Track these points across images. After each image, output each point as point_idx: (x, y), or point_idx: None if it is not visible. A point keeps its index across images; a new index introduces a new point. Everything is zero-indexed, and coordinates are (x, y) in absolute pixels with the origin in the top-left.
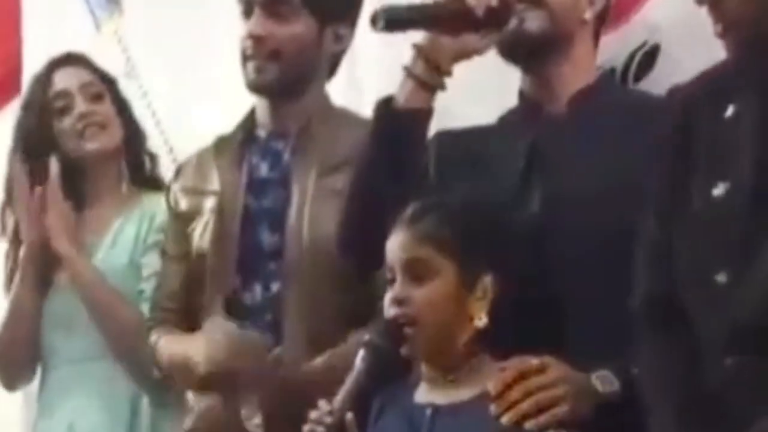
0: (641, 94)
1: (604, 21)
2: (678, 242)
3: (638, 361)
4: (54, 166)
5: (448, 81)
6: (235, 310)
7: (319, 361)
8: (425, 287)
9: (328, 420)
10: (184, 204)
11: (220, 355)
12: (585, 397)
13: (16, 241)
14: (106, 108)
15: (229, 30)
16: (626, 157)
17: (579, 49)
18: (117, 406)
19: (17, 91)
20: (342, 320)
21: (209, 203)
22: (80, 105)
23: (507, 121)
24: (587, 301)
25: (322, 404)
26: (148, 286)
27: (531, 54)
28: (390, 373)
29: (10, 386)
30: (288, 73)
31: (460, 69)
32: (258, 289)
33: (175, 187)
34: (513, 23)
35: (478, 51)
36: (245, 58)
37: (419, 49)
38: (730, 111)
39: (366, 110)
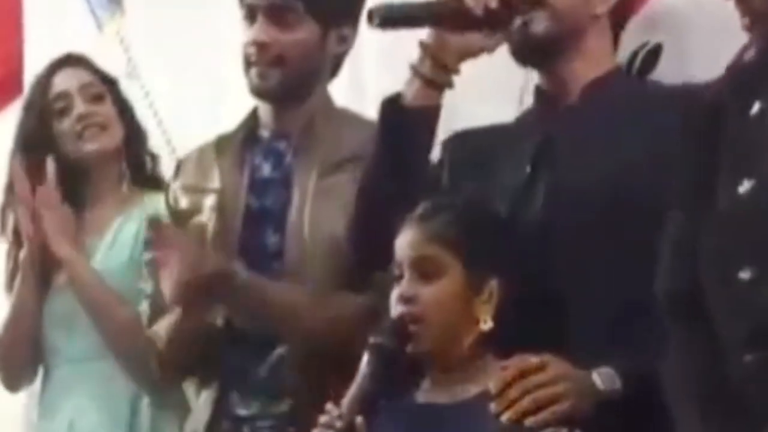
0: (656, 84)
1: (625, 11)
2: (703, 239)
3: (661, 357)
4: (50, 167)
5: (456, 80)
6: None
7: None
8: (433, 286)
9: (339, 424)
10: (184, 202)
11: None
12: (585, 395)
13: (16, 242)
14: (107, 109)
15: (231, 30)
16: (638, 147)
17: (591, 44)
18: (117, 406)
19: (19, 92)
20: None
21: (209, 201)
22: (80, 106)
23: (523, 118)
24: (591, 297)
25: (331, 408)
26: (147, 285)
27: (539, 54)
28: (396, 374)
29: (12, 386)
30: (291, 79)
31: (467, 68)
32: None
33: (175, 185)
34: (518, 24)
35: (486, 49)
36: (249, 65)
37: (425, 47)
38: (755, 108)
39: (368, 111)
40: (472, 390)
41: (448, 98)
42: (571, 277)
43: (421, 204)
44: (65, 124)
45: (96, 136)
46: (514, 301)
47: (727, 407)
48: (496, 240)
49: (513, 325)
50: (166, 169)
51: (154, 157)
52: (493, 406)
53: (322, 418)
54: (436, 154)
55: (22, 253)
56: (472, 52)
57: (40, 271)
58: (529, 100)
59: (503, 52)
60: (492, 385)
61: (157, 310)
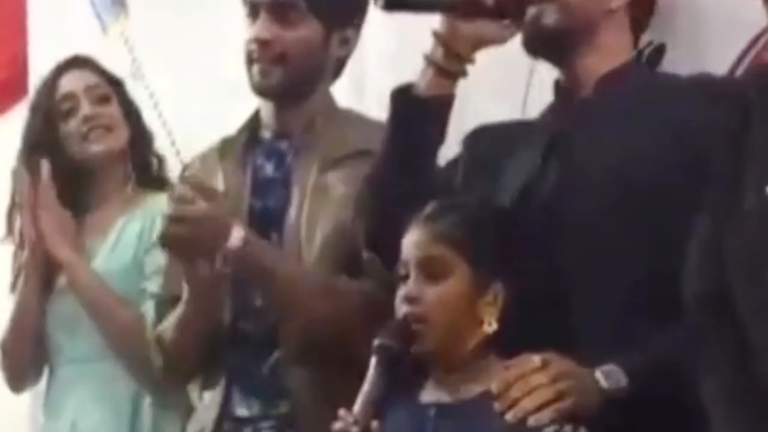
0: (670, 76)
1: (648, 5)
2: (729, 240)
3: (688, 359)
4: (45, 169)
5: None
6: (244, 311)
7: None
8: (438, 286)
9: (355, 430)
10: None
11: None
12: (589, 393)
13: (23, 244)
14: (112, 110)
15: (235, 30)
16: (651, 140)
17: (606, 38)
18: (119, 406)
19: (24, 94)
20: None
21: None
22: (85, 108)
23: (544, 114)
24: (597, 294)
25: (345, 414)
26: (150, 284)
27: (552, 47)
28: (400, 374)
29: (16, 387)
30: (293, 77)
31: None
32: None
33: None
34: (531, 16)
35: (499, 39)
36: (250, 62)
37: (438, 36)
38: None
39: (369, 111)
40: (476, 389)
41: (460, 97)
42: (578, 274)
43: (428, 204)
44: (71, 126)
45: (101, 138)
46: (520, 301)
47: (757, 408)
48: (503, 241)
49: (517, 324)
50: (171, 170)
51: (160, 159)
52: (496, 406)
53: (337, 425)
54: (455, 150)
55: (24, 255)
56: (485, 42)
57: (44, 272)
58: (533, 98)
59: (507, 50)
60: (494, 386)
61: (163, 308)
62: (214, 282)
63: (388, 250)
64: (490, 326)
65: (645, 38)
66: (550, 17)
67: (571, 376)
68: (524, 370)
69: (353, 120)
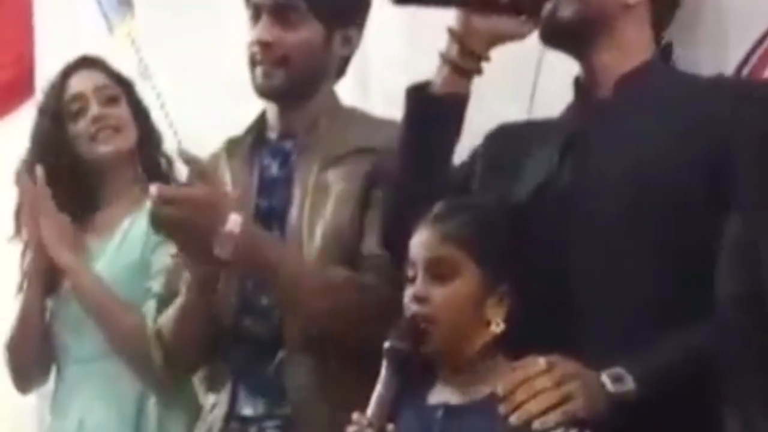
0: (692, 76)
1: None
2: (762, 243)
3: (724, 361)
4: (40, 173)
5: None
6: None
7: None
8: (446, 287)
9: None
10: None
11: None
12: (594, 396)
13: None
14: (121, 111)
15: (241, 31)
16: (671, 142)
17: (624, 34)
18: (125, 405)
19: (30, 94)
20: None
21: None
22: (94, 108)
23: (565, 112)
24: (608, 296)
25: (359, 417)
26: (155, 284)
27: (568, 39)
28: (410, 374)
29: (23, 387)
30: (296, 78)
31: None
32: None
33: None
34: (548, 9)
35: (515, 36)
36: (253, 64)
37: (453, 33)
38: None
39: (374, 110)
40: (483, 390)
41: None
42: (588, 274)
43: (437, 205)
44: (80, 126)
45: (110, 138)
46: (528, 302)
47: None
48: (511, 241)
49: (525, 325)
50: (178, 170)
51: (169, 159)
52: (501, 408)
53: (351, 429)
54: (463, 149)
55: (28, 258)
56: (501, 38)
57: (49, 274)
58: (541, 98)
59: (515, 48)
60: (500, 388)
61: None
62: (214, 271)
63: (404, 249)
64: (498, 327)
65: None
66: (567, 9)
67: (577, 379)
68: (529, 373)
69: (356, 118)
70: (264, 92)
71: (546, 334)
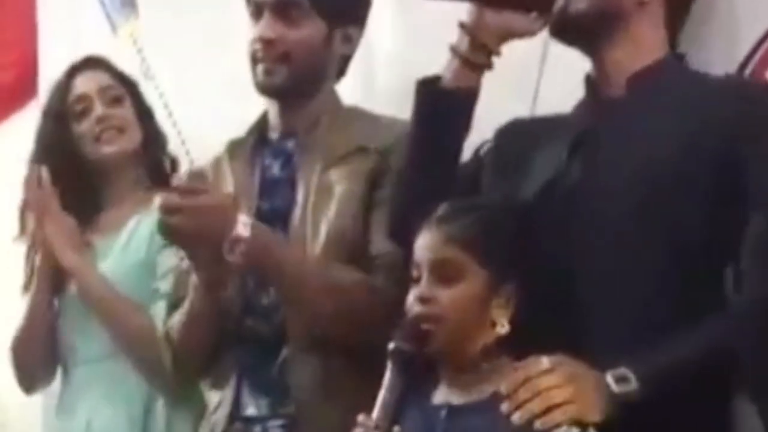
0: (704, 76)
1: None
2: None
3: (745, 360)
4: (44, 175)
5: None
6: (252, 310)
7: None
8: (451, 288)
9: None
10: None
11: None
12: (597, 396)
13: (35, 243)
14: (125, 111)
15: (244, 31)
16: (682, 143)
17: (637, 31)
18: (132, 405)
19: (33, 95)
20: None
21: None
22: (98, 109)
23: (576, 109)
24: (614, 297)
25: (365, 419)
26: (163, 285)
27: (580, 35)
28: (417, 376)
29: (28, 388)
30: (297, 76)
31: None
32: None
33: None
34: (560, 3)
35: (528, 32)
36: (255, 61)
37: (465, 28)
38: None
39: (376, 108)
40: (487, 390)
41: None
42: (595, 273)
43: (441, 206)
44: (84, 127)
45: (114, 139)
46: (533, 302)
47: None
48: (517, 242)
49: (530, 325)
50: (182, 170)
51: (173, 160)
52: (503, 407)
53: (357, 430)
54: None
55: (38, 258)
56: (512, 34)
57: (55, 275)
58: (544, 94)
59: (518, 45)
60: (503, 387)
61: (174, 308)
62: (222, 274)
63: (412, 244)
64: (503, 328)
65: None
66: (580, 4)
67: (581, 379)
68: (532, 372)
69: (358, 117)
70: (265, 90)
71: (551, 333)
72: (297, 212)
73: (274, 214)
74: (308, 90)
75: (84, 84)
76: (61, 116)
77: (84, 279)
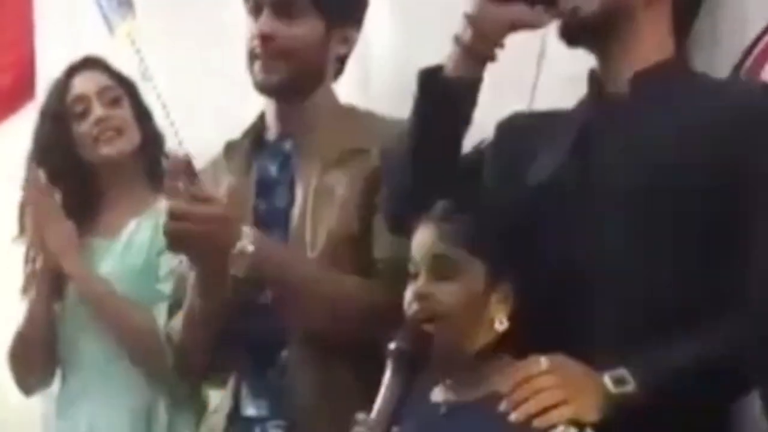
0: (709, 79)
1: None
2: None
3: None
4: (42, 177)
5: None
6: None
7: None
8: (449, 285)
9: None
10: None
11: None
12: (595, 397)
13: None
14: (124, 112)
15: (242, 30)
16: (683, 146)
17: (644, 30)
18: (135, 408)
19: (31, 96)
20: None
21: None
22: (97, 110)
23: (578, 104)
24: (614, 297)
25: (363, 419)
26: (164, 286)
27: (589, 37)
28: (417, 375)
29: (27, 390)
30: (296, 73)
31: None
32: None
33: None
34: (568, 5)
35: (533, 25)
36: (253, 58)
37: (469, 18)
38: None
39: (373, 105)
40: (486, 389)
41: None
42: (594, 274)
43: (438, 203)
44: (83, 128)
45: (112, 140)
46: (532, 301)
47: None
48: (515, 239)
49: (530, 324)
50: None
51: None
52: (501, 406)
53: (356, 430)
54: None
55: (37, 261)
56: (516, 26)
57: (55, 279)
58: (542, 88)
59: (516, 38)
60: (502, 385)
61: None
62: (223, 279)
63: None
64: (501, 324)
65: None
66: (588, 7)
67: (578, 380)
68: (531, 372)
69: (356, 117)
70: (263, 87)
71: (550, 332)
72: (296, 213)
73: (272, 214)
74: (306, 88)
75: (82, 85)
76: (59, 117)
77: (84, 281)
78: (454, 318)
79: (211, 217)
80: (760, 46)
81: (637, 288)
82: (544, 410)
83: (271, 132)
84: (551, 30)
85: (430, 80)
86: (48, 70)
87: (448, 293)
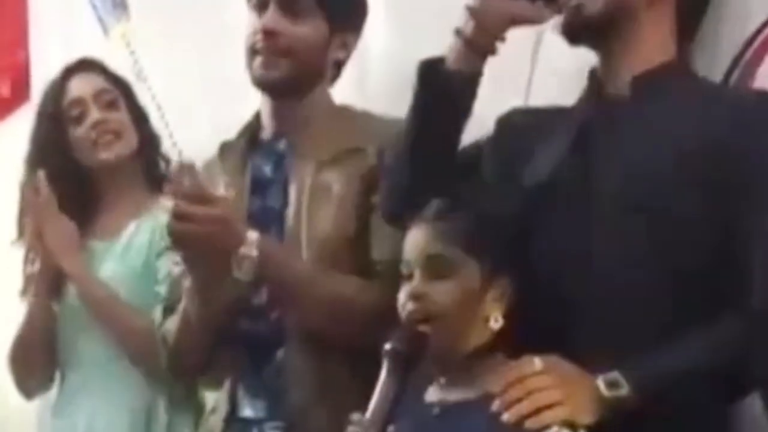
0: (711, 84)
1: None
2: None
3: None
4: (42, 180)
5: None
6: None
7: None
8: (444, 284)
9: None
10: None
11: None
12: (588, 399)
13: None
14: (121, 115)
15: (239, 32)
16: (685, 147)
17: (645, 31)
18: (134, 408)
19: (26, 98)
20: None
21: None
22: (94, 113)
23: (578, 102)
24: (608, 298)
25: (358, 419)
26: (163, 288)
27: (591, 36)
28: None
29: (27, 393)
30: (295, 72)
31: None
32: (265, 289)
33: None
34: (571, 2)
35: (534, 20)
36: (253, 53)
37: (471, 10)
38: None
39: (369, 106)
40: (479, 390)
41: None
42: (588, 276)
43: (431, 202)
44: (79, 132)
45: (110, 144)
46: (527, 301)
47: None
48: (510, 238)
49: (525, 324)
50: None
51: (168, 161)
52: (494, 406)
53: (351, 429)
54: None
55: (36, 263)
56: (517, 21)
57: (54, 279)
58: (537, 84)
59: (510, 40)
60: (495, 385)
61: (170, 312)
62: (219, 284)
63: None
64: (497, 322)
65: None
66: (592, 6)
67: (572, 382)
68: (525, 372)
69: (351, 116)
70: (262, 83)
71: (545, 332)
72: (291, 212)
73: (267, 213)
74: (304, 88)
75: (79, 87)
76: (56, 119)
77: (84, 282)
78: (450, 318)
79: (214, 219)
80: (760, 38)
81: (634, 289)
82: (537, 411)
83: (266, 131)
84: (547, 25)
85: (430, 72)
86: (43, 72)
87: (443, 293)
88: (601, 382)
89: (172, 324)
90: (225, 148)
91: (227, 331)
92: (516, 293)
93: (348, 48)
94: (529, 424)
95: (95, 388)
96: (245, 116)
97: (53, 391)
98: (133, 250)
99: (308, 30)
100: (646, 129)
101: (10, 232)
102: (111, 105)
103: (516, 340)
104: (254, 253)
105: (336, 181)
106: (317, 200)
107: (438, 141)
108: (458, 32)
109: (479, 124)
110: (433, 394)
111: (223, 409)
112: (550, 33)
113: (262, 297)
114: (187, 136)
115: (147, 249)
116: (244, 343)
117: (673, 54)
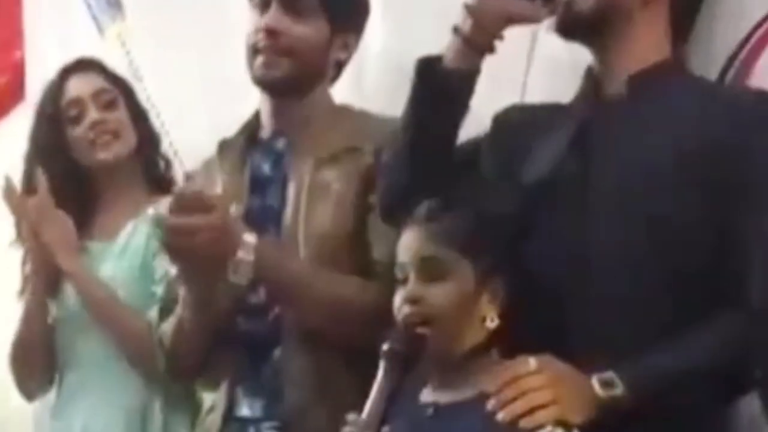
0: (711, 86)
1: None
2: None
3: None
4: (41, 179)
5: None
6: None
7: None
8: (439, 286)
9: None
10: None
11: None
12: (582, 399)
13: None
14: (120, 115)
15: (236, 32)
16: (683, 147)
17: (640, 30)
18: (130, 408)
19: (21, 98)
20: None
21: None
22: (92, 113)
23: (575, 99)
24: (604, 298)
25: (354, 419)
26: (159, 289)
27: (584, 33)
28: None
29: (28, 394)
30: (296, 72)
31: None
32: (262, 288)
33: None
34: (565, 2)
35: (531, 19)
36: (254, 52)
37: (469, 8)
38: None
39: (367, 104)
40: (474, 390)
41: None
42: (584, 275)
43: (423, 204)
44: (78, 132)
45: (109, 144)
46: (522, 300)
47: None
48: (504, 238)
49: (519, 324)
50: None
51: (167, 160)
52: (489, 405)
53: (347, 429)
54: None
55: (33, 262)
56: (515, 19)
57: (51, 279)
58: (533, 83)
59: (505, 39)
60: (490, 385)
61: (166, 312)
62: (214, 292)
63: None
64: (492, 322)
65: None
66: (585, 2)
67: (566, 381)
68: (519, 372)
69: (349, 116)
70: (263, 82)
71: (541, 331)
72: (289, 211)
73: (265, 212)
74: (304, 88)
75: (77, 87)
76: (54, 119)
77: (82, 281)
78: (447, 320)
79: (212, 226)
80: (755, 37)
81: (631, 287)
82: (531, 410)
83: (266, 130)
84: (543, 23)
85: (428, 70)
86: (38, 72)
87: (439, 296)
88: (595, 382)
89: (169, 327)
90: (224, 146)
91: (225, 332)
92: (511, 293)
93: (349, 48)
94: (523, 423)
95: (93, 388)
96: (245, 116)
97: (52, 393)
98: (131, 251)
99: (310, 30)
100: (644, 128)
101: (9, 232)
102: (110, 105)
103: (514, 340)
104: (251, 257)
105: (335, 179)
106: (316, 198)
107: (435, 139)
108: (456, 30)
109: (476, 122)
110: (427, 395)
111: (221, 408)
112: (545, 31)
113: (260, 296)
114: (186, 135)
115: (144, 249)
116: (241, 343)
117: (667, 53)
